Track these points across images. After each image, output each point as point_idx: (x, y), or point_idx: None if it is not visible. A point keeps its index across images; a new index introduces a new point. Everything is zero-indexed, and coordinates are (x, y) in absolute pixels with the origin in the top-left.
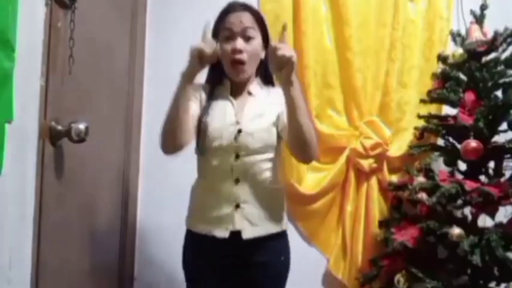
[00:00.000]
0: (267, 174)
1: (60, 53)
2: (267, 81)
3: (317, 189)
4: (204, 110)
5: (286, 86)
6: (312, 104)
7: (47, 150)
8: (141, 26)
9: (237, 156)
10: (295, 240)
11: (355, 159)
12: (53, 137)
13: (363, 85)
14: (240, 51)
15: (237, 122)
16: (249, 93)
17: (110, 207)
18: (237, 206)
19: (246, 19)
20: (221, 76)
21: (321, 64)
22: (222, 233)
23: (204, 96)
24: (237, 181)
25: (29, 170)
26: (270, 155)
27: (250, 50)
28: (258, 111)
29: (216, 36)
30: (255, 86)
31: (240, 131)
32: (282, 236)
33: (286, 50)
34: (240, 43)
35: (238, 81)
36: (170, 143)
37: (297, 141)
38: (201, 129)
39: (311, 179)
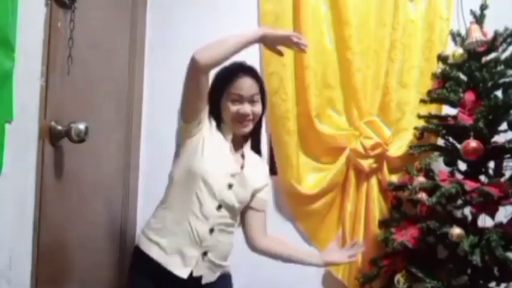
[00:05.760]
0: (232, 229)
1: (60, 53)
2: (256, 147)
3: (317, 189)
4: (206, 139)
5: None
6: (312, 104)
7: (47, 150)
8: (141, 25)
9: (219, 207)
10: (295, 240)
11: (355, 159)
12: (53, 137)
13: (363, 85)
14: (248, 116)
15: (232, 175)
16: (242, 157)
17: (110, 207)
18: (205, 254)
19: (254, 86)
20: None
21: (321, 64)
22: (181, 272)
23: (208, 123)
24: (211, 230)
25: (29, 170)
26: (238, 214)
27: (255, 112)
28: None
29: (221, 91)
30: (249, 149)
31: (231, 186)
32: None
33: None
34: (248, 108)
35: (239, 134)
36: (208, 60)
37: None
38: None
39: (311, 179)
